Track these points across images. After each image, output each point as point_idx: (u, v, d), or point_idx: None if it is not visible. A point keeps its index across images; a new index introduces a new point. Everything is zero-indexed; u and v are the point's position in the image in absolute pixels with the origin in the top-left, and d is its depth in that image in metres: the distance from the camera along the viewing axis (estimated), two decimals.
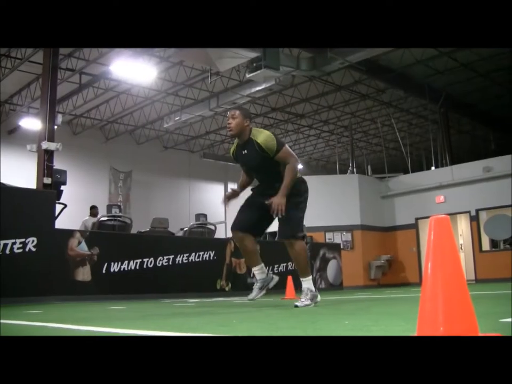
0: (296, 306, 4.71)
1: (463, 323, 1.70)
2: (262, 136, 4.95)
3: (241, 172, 5.53)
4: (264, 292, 5.18)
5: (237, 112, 5.04)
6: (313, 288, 4.96)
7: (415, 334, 1.76)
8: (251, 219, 5.15)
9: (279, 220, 4.96)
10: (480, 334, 1.70)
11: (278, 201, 4.75)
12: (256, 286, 5.19)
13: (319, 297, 5.02)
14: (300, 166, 4.26)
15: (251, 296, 5.16)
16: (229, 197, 5.40)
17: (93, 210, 12.64)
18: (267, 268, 5.33)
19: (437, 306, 1.70)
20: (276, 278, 5.30)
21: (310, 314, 3.85)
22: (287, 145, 5.06)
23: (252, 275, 12.03)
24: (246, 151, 5.05)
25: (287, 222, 4.93)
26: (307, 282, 4.97)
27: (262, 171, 5.16)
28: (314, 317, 3.50)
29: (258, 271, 5.21)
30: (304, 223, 5.13)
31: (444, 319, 1.68)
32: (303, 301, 4.80)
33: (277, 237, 5.28)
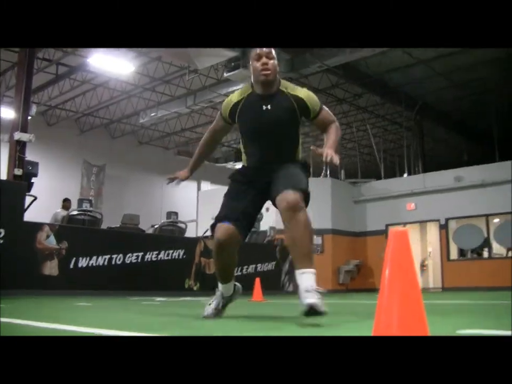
0: (321, 313, 3.10)
1: (416, 334, 1.74)
2: (303, 91, 3.79)
3: (204, 139, 4.16)
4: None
5: (274, 52, 3.78)
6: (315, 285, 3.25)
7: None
8: (245, 207, 3.75)
9: (278, 176, 3.59)
10: None
11: (327, 150, 3.47)
12: (214, 303, 3.89)
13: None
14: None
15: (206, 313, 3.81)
16: (179, 178, 4.10)
17: (66, 203, 12.52)
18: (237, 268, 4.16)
19: (392, 319, 1.74)
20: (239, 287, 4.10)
21: (271, 319, 3.87)
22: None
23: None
24: (270, 107, 3.73)
25: (293, 174, 3.62)
26: (312, 276, 3.29)
27: (275, 137, 3.77)
28: (276, 320, 3.53)
29: (226, 288, 3.94)
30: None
31: (398, 330, 1.72)
32: (318, 298, 3.15)
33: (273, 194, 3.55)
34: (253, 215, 3.82)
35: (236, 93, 3.93)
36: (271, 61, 3.68)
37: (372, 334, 1.83)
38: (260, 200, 3.81)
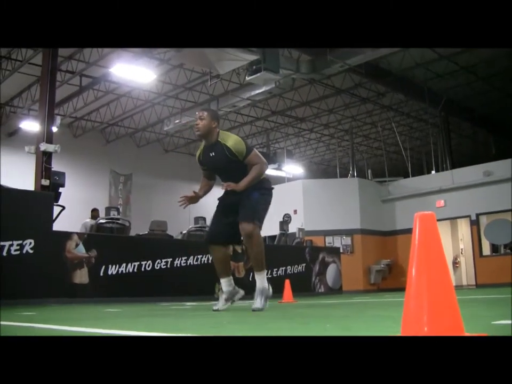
0: (254, 310, 4.73)
1: (448, 323, 1.67)
2: (231, 140, 5.01)
3: (202, 177, 5.57)
4: (229, 303, 5.22)
5: (205, 113, 5.09)
6: (266, 285, 4.96)
7: (399, 334, 1.73)
8: (222, 230, 5.16)
9: (240, 205, 4.99)
10: (465, 334, 1.67)
11: (234, 184, 4.94)
12: (222, 297, 5.22)
13: (271, 291, 5.02)
14: (268, 171, 4.40)
15: (216, 307, 5.17)
16: (189, 200, 5.31)
17: (94, 213, 12.61)
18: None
19: (422, 306, 1.68)
20: (242, 292, 5.32)
21: (302, 316, 3.82)
22: (256, 150, 5.13)
23: (250, 279, 12.04)
24: (213, 153, 5.09)
25: (249, 206, 4.95)
26: (262, 279, 4.96)
27: (229, 173, 5.12)
28: (305, 319, 3.47)
29: (226, 283, 5.20)
30: (264, 218, 5.10)
31: (429, 318, 1.65)
32: (258, 302, 4.82)
33: (238, 218, 4.98)
34: (230, 226, 5.04)
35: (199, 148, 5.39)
36: (201, 122, 5.04)
37: (401, 325, 1.76)
38: (234, 212, 5.03)
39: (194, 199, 5.31)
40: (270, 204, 5.18)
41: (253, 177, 4.97)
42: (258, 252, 4.93)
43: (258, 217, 4.93)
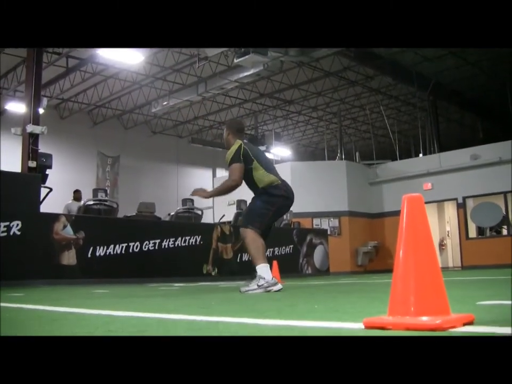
0: (240, 291, 4.87)
1: (435, 304, 1.69)
2: (229, 151, 5.39)
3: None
4: (262, 290, 4.79)
5: (224, 127, 5.69)
6: (266, 276, 4.84)
7: (386, 314, 1.76)
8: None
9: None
10: (451, 315, 1.69)
11: (201, 190, 5.54)
12: (256, 282, 4.88)
13: (278, 286, 4.82)
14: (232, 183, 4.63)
15: (244, 288, 4.89)
16: (197, 193, 5.63)
17: (76, 194, 12.54)
18: None
19: (409, 287, 1.70)
20: (280, 286, 4.96)
21: (290, 297, 3.85)
22: (238, 165, 5.29)
23: (237, 260, 12.08)
24: None
25: (246, 211, 5.48)
26: (259, 270, 4.91)
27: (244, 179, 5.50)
28: (293, 300, 3.50)
29: (268, 270, 5.02)
30: (263, 220, 5.27)
31: (416, 299, 1.67)
32: (249, 285, 4.87)
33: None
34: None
35: None
36: (224, 136, 5.68)
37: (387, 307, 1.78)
38: None
39: (201, 195, 5.67)
40: (275, 206, 5.37)
41: (216, 189, 5.70)
42: (250, 250, 5.15)
43: (251, 221, 5.24)
